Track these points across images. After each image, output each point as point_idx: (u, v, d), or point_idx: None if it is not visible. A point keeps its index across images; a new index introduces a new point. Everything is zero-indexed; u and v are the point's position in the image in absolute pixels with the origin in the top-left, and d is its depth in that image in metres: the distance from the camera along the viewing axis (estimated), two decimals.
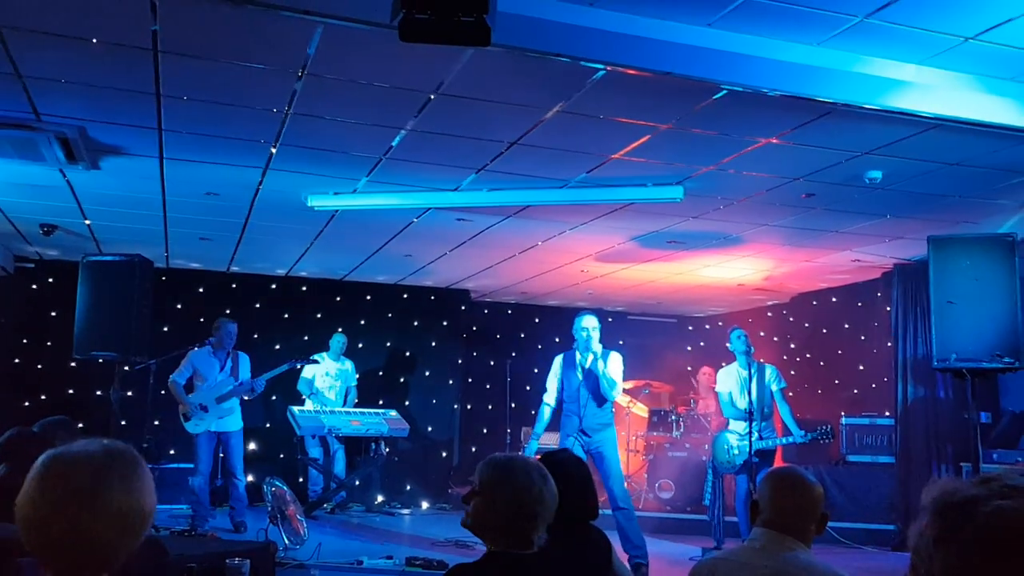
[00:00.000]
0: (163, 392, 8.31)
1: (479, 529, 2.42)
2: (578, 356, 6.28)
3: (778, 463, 7.12)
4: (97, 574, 1.62)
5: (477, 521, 2.42)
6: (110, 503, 1.59)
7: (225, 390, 7.52)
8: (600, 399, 6.13)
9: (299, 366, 8.65)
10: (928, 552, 1.05)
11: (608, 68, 3.97)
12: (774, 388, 7.10)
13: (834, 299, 10.11)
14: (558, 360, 6.44)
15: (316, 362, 9.08)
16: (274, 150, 5.49)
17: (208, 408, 7.48)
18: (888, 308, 8.48)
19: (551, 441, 9.03)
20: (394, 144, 5.30)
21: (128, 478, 1.64)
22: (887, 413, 8.63)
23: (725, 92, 4.23)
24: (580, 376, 6.21)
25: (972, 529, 1.01)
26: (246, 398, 7.87)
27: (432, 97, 4.51)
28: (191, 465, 7.71)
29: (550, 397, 6.41)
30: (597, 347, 6.17)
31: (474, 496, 2.43)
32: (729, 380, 7.24)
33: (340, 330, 9.73)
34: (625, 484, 6.23)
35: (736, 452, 6.96)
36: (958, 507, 1.03)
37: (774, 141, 5.03)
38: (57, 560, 1.59)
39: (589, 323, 6.28)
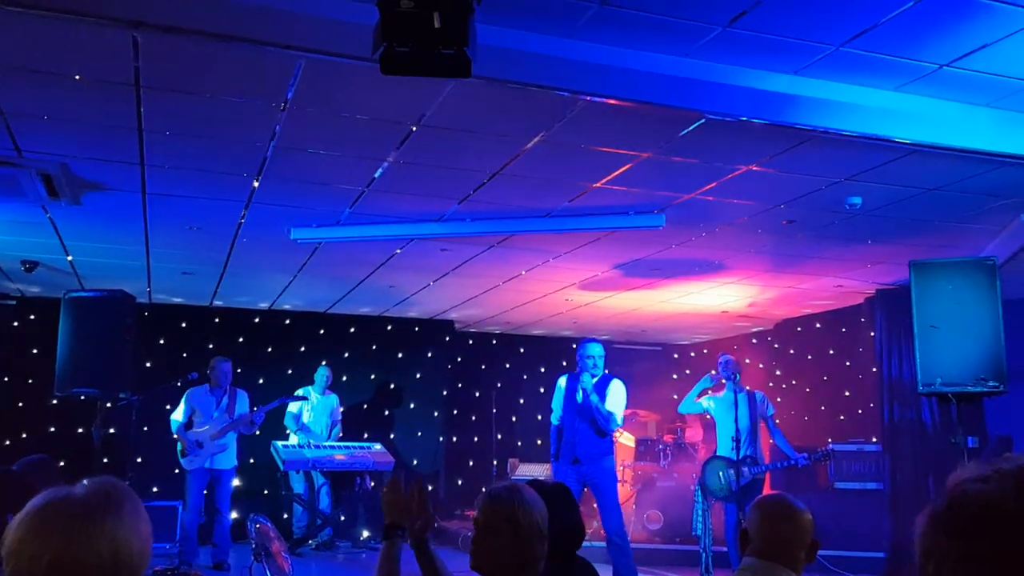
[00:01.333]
0: (145, 429, 8.24)
1: (491, 568, 2.35)
2: (582, 380, 6.21)
3: (767, 491, 7.09)
4: None
5: (490, 560, 2.34)
6: (103, 536, 1.56)
7: (221, 426, 7.50)
8: (594, 427, 6.08)
9: (288, 403, 8.59)
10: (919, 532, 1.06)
11: (587, 98, 4.00)
12: (766, 414, 7.11)
13: (818, 325, 10.14)
14: (562, 380, 6.39)
15: (306, 399, 9.02)
16: (256, 184, 5.48)
17: (204, 445, 7.46)
18: (872, 333, 8.52)
19: (540, 472, 8.98)
20: (376, 176, 5.30)
21: (122, 513, 1.62)
22: (874, 439, 8.64)
23: (704, 120, 4.26)
24: (580, 400, 6.16)
25: (942, 508, 1.03)
26: (244, 432, 7.82)
27: (414, 129, 4.53)
28: (175, 503, 7.63)
29: (556, 418, 6.36)
30: (598, 373, 6.15)
31: (480, 534, 2.36)
32: (714, 403, 7.24)
33: (325, 363, 9.67)
34: (621, 516, 6.10)
35: (729, 478, 6.94)
36: (947, 487, 1.05)
37: (754, 168, 5.07)
38: None
39: (594, 351, 6.24)
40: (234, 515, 8.43)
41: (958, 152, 4.55)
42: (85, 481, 1.63)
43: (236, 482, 8.19)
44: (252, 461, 9.61)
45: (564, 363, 11.92)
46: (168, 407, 9.01)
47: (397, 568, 2.64)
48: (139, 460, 9.03)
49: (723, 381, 7.09)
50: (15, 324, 9.52)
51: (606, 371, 6.35)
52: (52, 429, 9.23)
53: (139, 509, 1.65)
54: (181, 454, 7.58)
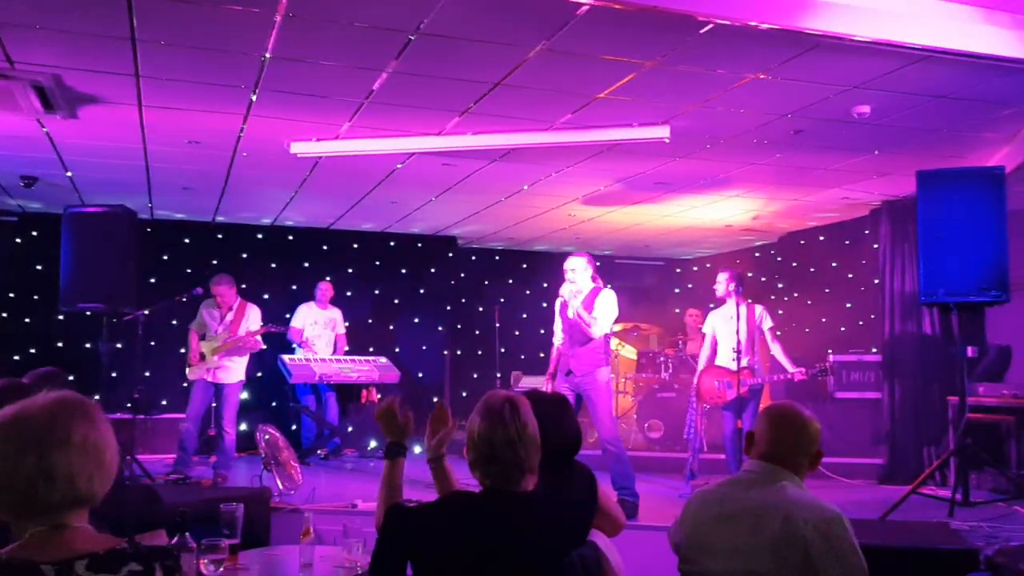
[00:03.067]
0: (152, 344, 8.30)
1: (470, 465, 2.48)
2: (560, 291, 6.30)
3: (765, 402, 7.17)
4: (76, 512, 1.62)
5: (468, 456, 2.47)
6: (75, 436, 1.60)
7: (218, 344, 7.55)
8: (583, 339, 6.13)
9: (273, 331, 8.53)
10: None
11: (591, 3, 3.90)
12: (764, 327, 7.13)
13: (822, 238, 10.12)
14: (558, 301, 6.44)
15: (287, 329, 9.08)
16: (254, 96, 5.40)
17: (205, 358, 7.54)
18: (876, 246, 8.50)
19: (542, 384, 9.10)
20: (375, 87, 5.22)
21: (87, 415, 1.65)
22: (874, 350, 8.70)
23: (711, 26, 4.16)
24: (570, 315, 6.22)
25: None
26: (251, 350, 7.83)
27: (412, 37, 4.43)
28: (181, 416, 7.75)
29: (556, 338, 6.44)
30: (579, 287, 6.18)
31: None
32: (715, 320, 7.27)
33: (328, 279, 9.70)
34: (614, 424, 6.21)
35: (726, 387, 7.02)
36: None
37: (761, 77, 4.97)
38: (33, 504, 1.59)
39: (569, 263, 6.28)
40: (243, 427, 8.58)
41: (969, 57, 4.45)
42: (44, 394, 1.67)
43: (244, 395, 8.28)
44: (260, 375, 9.73)
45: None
46: (174, 322, 9.11)
47: (400, 484, 2.81)
48: (147, 374, 9.15)
49: (727, 296, 7.08)
50: (17, 240, 9.53)
51: (600, 284, 6.37)
52: (59, 344, 9.34)
53: (103, 416, 1.69)
54: (188, 364, 7.67)
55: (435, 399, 9.86)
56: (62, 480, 1.59)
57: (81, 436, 1.62)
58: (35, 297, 9.36)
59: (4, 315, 9.40)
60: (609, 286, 6.43)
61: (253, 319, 7.74)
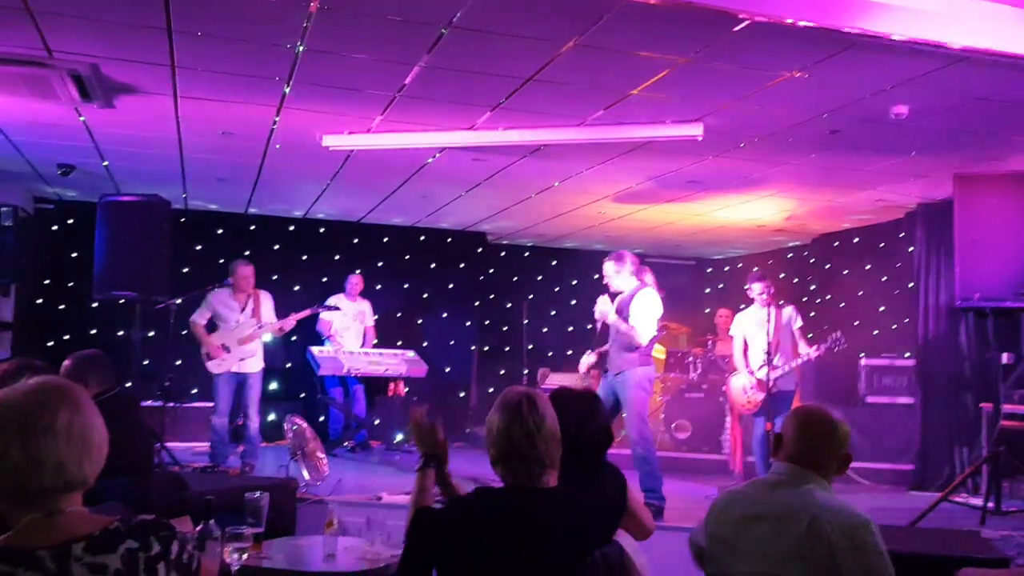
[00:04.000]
0: (184, 332, 8.36)
1: (491, 462, 2.48)
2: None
3: (797, 404, 7.11)
4: (69, 496, 1.63)
5: (489, 453, 2.47)
6: (58, 421, 1.60)
7: (248, 331, 7.51)
8: (624, 341, 6.10)
9: (320, 312, 8.62)
10: None
11: None
12: (795, 327, 7.06)
13: (856, 240, 10.00)
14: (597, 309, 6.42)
15: (338, 309, 9.05)
16: (287, 88, 5.43)
17: (230, 349, 7.48)
18: (911, 249, 8.38)
19: (569, 382, 9.07)
20: (407, 81, 5.22)
21: (71, 399, 1.65)
22: (907, 355, 8.58)
23: (747, 23, 4.11)
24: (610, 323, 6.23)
25: None
26: (272, 336, 7.84)
27: (445, 31, 4.42)
28: (212, 404, 7.78)
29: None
30: (619, 286, 6.17)
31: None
32: (745, 322, 7.21)
33: (358, 271, 9.75)
34: (644, 425, 6.13)
35: (752, 391, 6.96)
36: None
37: (796, 75, 4.91)
38: (23, 492, 1.59)
39: (605, 268, 6.27)
40: (272, 417, 8.64)
41: (1010, 59, 4.36)
42: (31, 381, 1.67)
43: (273, 385, 8.32)
44: (289, 365, 9.80)
45: (595, 276, 11.89)
46: None
47: (431, 491, 2.80)
48: (178, 363, 9.24)
49: (761, 303, 6.99)
50: (54, 228, 9.68)
51: (643, 282, 6.33)
52: (93, 331, 9.46)
53: (90, 403, 1.69)
54: (207, 357, 7.51)
55: (412, 397, 9.66)
56: (50, 466, 1.58)
57: (65, 421, 1.61)
58: (70, 284, 9.49)
59: (39, 301, 9.54)
60: (649, 284, 6.38)
61: (269, 306, 7.71)
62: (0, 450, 1.57)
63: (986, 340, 7.19)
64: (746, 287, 7.15)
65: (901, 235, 8.89)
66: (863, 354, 8.71)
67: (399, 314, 10.75)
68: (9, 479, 1.58)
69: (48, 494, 1.59)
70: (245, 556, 2.93)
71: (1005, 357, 6.56)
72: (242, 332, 7.50)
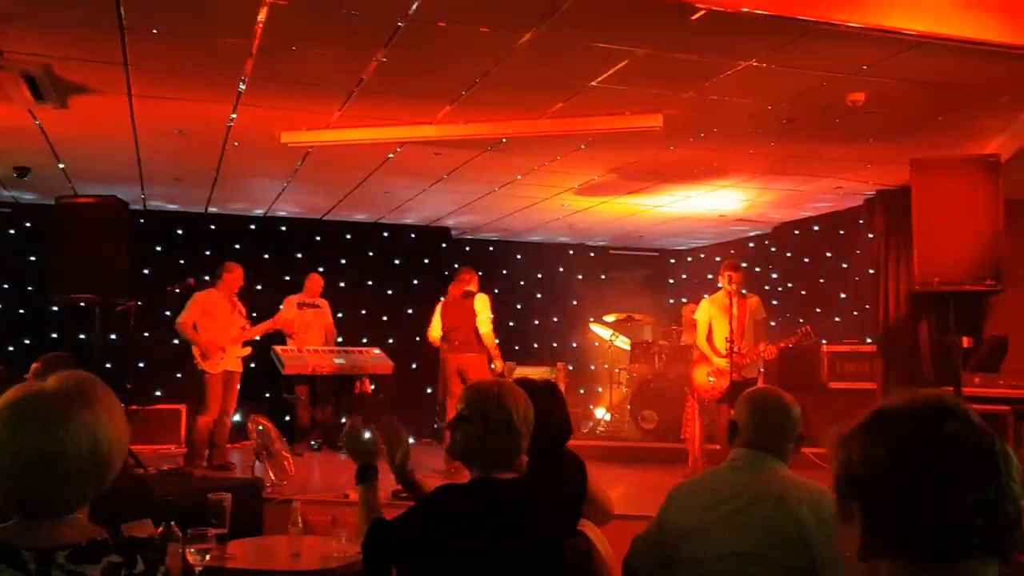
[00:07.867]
0: (146, 335, 8.27)
1: (466, 456, 2.41)
2: None
3: None
4: (73, 505, 1.59)
5: (466, 448, 2.39)
6: (79, 428, 1.56)
7: (238, 331, 7.54)
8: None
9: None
10: None
11: None
12: (758, 318, 7.12)
13: (816, 228, 10.10)
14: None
15: (317, 307, 9.05)
16: (243, 85, 5.36)
17: (225, 348, 7.48)
18: (870, 236, 8.48)
19: (536, 375, 9.08)
20: (365, 76, 5.18)
21: (97, 405, 1.61)
22: (869, 340, 8.69)
23: (703, 12, 4.13)
24: None
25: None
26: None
27: (401, 24, 4.39)
28: (177, 406, 7.70)
29: None
30: None
31: (462, 423, 2.40)
32: (712, 308, 7.24)
33: (319, 270, 9.66)
34: None
35: (716, 378, 7.00)
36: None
37: (754, 64, 4.94)
38: (30, 494, 1.56)
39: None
40: (236, 417, 8.55)
41: (965, 44, 4.42)
42: (54, 376, 1.62)
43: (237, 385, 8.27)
44: (253, 365, 9.69)
45: (560, 269, 11.94)
46: (168, 313, 9.05)
47: (378, 504, 2.61)
48: (140, 365, 9.11)
49: (730, 290, 7.02)
50: (11, 232, 9.50)
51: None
52: (53, 335, 9.30)
53: (113, 400, 1.64)
54: (203, 357, 7.43)
55: (378, 394, 9.60)
56: (58, 471, 1.55)
57: (84, 427, 1.58)
58: (29, 288, 9.32)
59: None
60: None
61: (241, 306, 7.78)
62: (13, 451, 1.54)
63: (946, 324, 7.29)
64: (722, 274, 7.12)
65: (860, 222, 9.00)
66: (825, 341, 8.80)
67: (364, 311, 10.68)
68: (15, 483, 1.55)
69: (52, 502, 1.56)
70: (208, 557, 2.89)
71: (965, 341, 6.65)
72: (233, 331, 7.52)
